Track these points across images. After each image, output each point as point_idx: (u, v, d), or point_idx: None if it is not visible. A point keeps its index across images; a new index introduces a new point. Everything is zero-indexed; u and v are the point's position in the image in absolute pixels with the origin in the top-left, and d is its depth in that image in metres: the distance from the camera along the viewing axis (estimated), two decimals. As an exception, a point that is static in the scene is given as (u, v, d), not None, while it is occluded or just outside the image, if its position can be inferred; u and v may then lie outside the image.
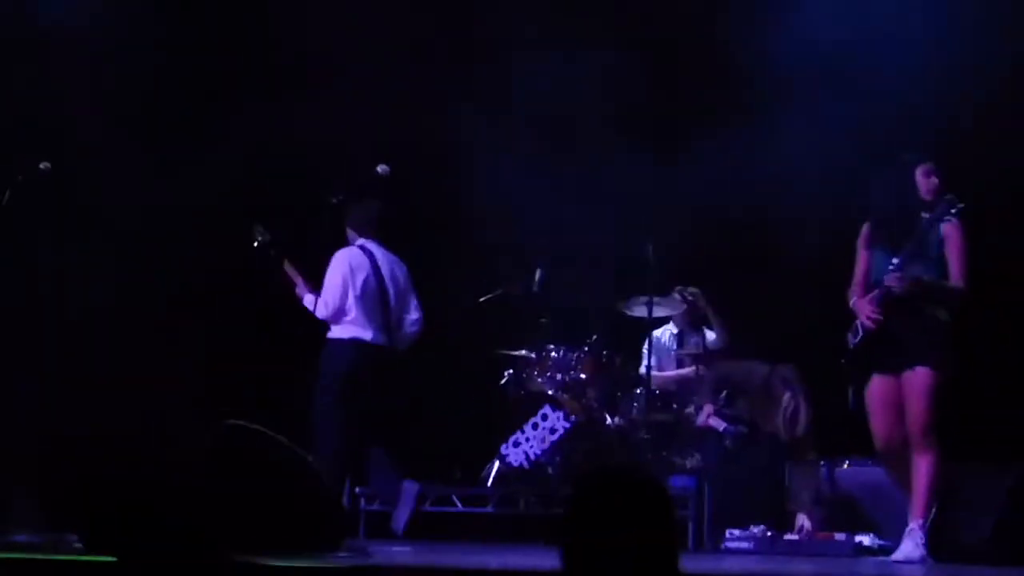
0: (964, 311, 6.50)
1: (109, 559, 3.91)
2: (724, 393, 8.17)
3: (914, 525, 6.34)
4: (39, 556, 5.36)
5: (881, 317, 6.43)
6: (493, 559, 6.22)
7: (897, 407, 6.42)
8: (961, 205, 6.39)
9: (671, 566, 3.00)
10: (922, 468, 6.36)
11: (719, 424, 8.07)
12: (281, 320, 8.58)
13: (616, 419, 8.56)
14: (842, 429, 7.17)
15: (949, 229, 6.43)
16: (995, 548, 6.50)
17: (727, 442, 7.98)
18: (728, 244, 8.77)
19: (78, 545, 5.93)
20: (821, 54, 8.14)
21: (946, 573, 6.00)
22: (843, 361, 6.60)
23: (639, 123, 8.99)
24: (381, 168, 7.57)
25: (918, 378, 6.35)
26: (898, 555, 6.35)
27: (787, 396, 7.72)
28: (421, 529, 8.11)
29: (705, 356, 8.51)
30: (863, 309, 6.49)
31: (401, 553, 6.51)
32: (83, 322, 8.77)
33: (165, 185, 8.90)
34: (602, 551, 2.94)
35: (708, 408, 8.18)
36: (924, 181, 6.55)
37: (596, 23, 9.04)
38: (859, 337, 6.51)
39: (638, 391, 8.55)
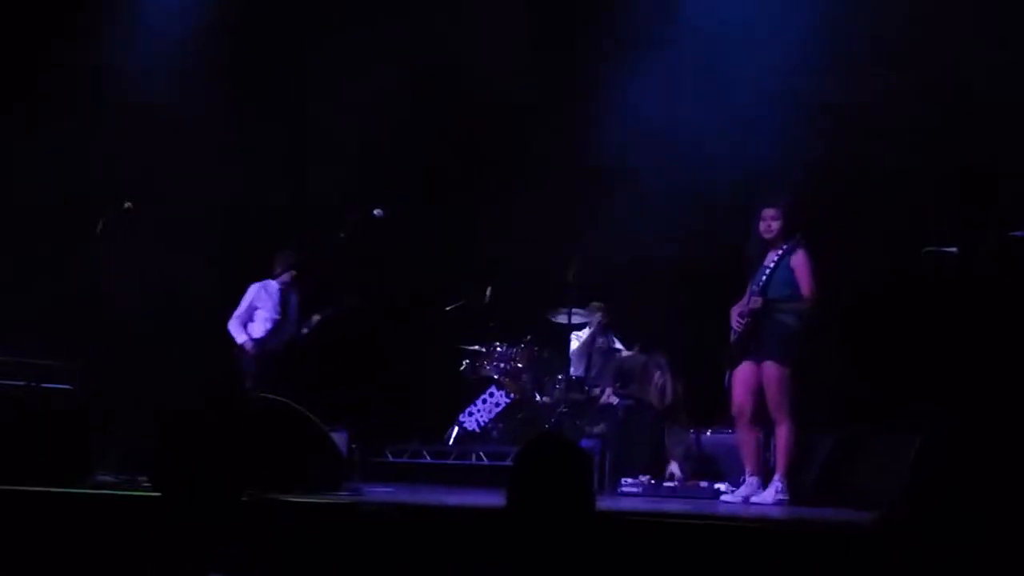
0: (816, 317, 6.39)
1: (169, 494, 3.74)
2: (618, 377, 8.04)
3: (777, 476, 6.28)
4: (117, 492, 5.18)
5: (742, 322, 6.37)
6: (452, 498, 6.09)
7: (752, 387, 6.37)
8: (801, 243, 6.35)
9: (590, 504, 2.96)
10: (780, 436, 6.32)
11: (614, 400, 7.96)
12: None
13: (543, 397, 8.48)
14: (715, 403, 6.99)
15: (795, 260, 6.38)
16: (819, 492, 6.45)
17: (620, 413, 7.86)
18: (636, 266, 8.33)
19: (147, 484, 5.75)
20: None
21: (792, 512, 5.89)
22: (725, 353, 6.51)
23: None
24: (377, 212, 7.42)
25: (769, 369, 6.31)
26: (757, 498, 6.27)
27: (657, 375, 7.60)
28: (400, 474, 7.99)
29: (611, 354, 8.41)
30: (733, 316, 6.45)
31: (385, 492, 6.37)
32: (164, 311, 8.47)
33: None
34: (541, 494, 2.87)
35: (608, 390, 8.08)
36: (761, 225, 6.48)
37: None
38: (734, 335, 6.45)
39: (560, 377, 8.45)
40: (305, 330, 8.07)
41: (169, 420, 6.08)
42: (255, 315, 8.13)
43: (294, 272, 8.13)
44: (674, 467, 7.33)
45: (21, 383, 7.83)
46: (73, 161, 8.45)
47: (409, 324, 9.12)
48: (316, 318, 8.07)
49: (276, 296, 8.15)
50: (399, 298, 9.16)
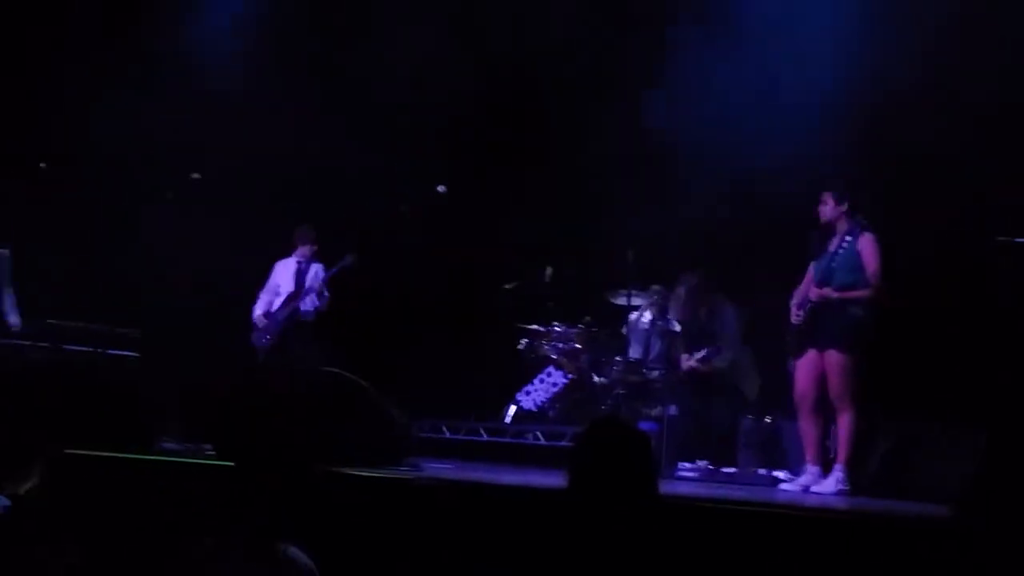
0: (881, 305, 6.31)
1: (231, 464, 3.82)
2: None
3: (838, 466, 6.24)
4: (182, 459, 5.29)
5: (800, 314, 6.32)
6: (507, 476, 6.14)
7: (815, 375, 6.32)
8: (867, 226, 6.29)
9: (653, 488, 2.96)
10: (841, 424, 6.27)
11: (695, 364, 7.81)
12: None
13: (601, 378, 8.46)
14: (778, 390, 6.93)
15: (862, 243, 6.32)
16: (880, 483, 6.39)
17: (688, 393, 7.75)
18: (703, 246, 8.22)
19: (211, 452, 5.87)
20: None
21: (853, 503, 5.86)
22: (786, 340, 6.47)
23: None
24: (440, 188, 7.46)
25: (832, 358, 6.26)
26: (817, 487, 6.24)
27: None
28: (458, 452, 8.04)
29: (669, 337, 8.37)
30: (792, 306, 6.41)
31: (444, 469, 6.43)
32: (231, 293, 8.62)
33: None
34: (603, 477, 2.88)
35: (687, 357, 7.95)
36: (821, 209, 6.44)
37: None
38: (794, 326, 6.41)
39: (618, 358, 8.43)
40: (313, 297, 8.24)
41: (235, 390, 6.20)
42: (279, 290, 8.44)
43: (312, 246, 8.38)
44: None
45: (87, 349, 8.02)
46: (140, 132, 8.59)
47: (469, 302, 9.15)
48: (322, 281, 8.27)
49: (292, 270, 8.42)
50: (461, 274, 9.21)
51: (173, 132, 8.67)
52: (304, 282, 8.43)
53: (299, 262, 8.48)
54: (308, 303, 8.36)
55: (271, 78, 8.83)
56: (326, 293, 8.28)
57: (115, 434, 5.74)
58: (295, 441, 3.37)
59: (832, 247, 6.38)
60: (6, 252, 7.56)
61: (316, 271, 8.44)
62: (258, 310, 8.48)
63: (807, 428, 6.41)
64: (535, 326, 8.78)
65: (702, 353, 7.78)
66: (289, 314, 8.36)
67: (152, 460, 5.10)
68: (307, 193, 8.93)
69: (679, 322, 8.12)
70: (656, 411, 8.04)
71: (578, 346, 8.59)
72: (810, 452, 6.39)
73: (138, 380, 7.54)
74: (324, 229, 8.53)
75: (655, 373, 8.26)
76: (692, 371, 7.87)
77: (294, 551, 2.98)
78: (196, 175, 7.67)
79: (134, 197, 8.29)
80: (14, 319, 7.63)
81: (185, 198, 7.81)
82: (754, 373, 7.73)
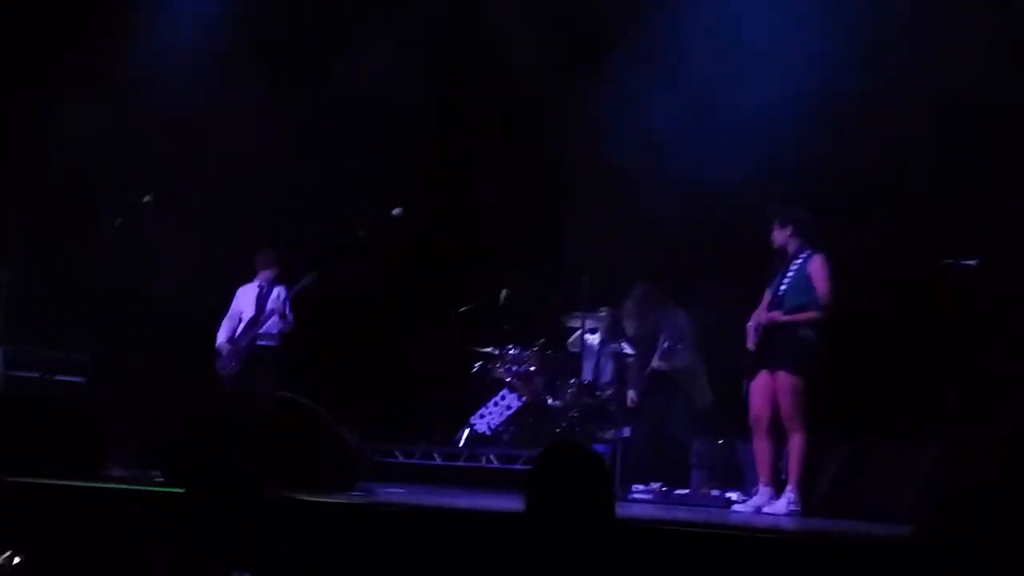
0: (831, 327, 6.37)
1: (181, 490, 3.77)
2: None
3: (789, 487, 6.27)
4: (130, 487, 5.20)
5: (754, 339, 6.39)
6: (462, 500, 6.11)
7: (768, 397, 6.36)
8: (819, 249, 6.37)
9: (609, 511, 2.96)
10: (793, 446, 6.31)
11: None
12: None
13: (555, 401, 8.47)
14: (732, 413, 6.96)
15: (812, 266, 6.40)
16: (831, 504, 6.43)
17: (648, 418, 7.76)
18: (656, 265, 8.21)
19: (160, 479, 5.77)
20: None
21: (804, 523, 5.89)
22: (743, 362, 6.52)
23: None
24: (396, 211, 7.44)
25: (782, 379, 6.30)
26: (769, 508, 6.26)
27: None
28: (410, 475, 8.00)
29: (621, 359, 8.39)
30: (749, 331, 6.48)
31: (397, 493, 6.38)
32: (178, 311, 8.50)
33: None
34: (560, 500, 2.87)
35: (631, 393, 7.99)
36: (773, 235, 6.52)
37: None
38: (750, 350, 6.48)
39: (572, 380, 8.45)
40: (275, 319, 8.15)
41: (185, 417, 6.12)
42: (242, 316, 8.32)
43: (274, 269, 8.28)
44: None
45: (35, 374, 7.89)
46: (89, 151, 8.48)
47: (422, 324, 9.14)
48: (284, 303, 8.19)
49: (254, 295, 8.30)
50: (414, 297, 9.19)
51: (127, 151, 8.59)
52: (265, 306, 8.26)
53: (260, 286, 8.34)
54: (271, 326, 8.22)
55: (229, 96, 8.75)
56: (289, 315, 8.13)
57: (62, 461, 5.65)
58: (247, 466, 3.33)
59: (786, 270, 6.46)
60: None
61: (278, 293, 8.29)
62: (221, 337, 8.32)
63: (761, 449, 6.45)
64: (489, 349, 8.77)
65: (664, 345, 7.70)
66: (252, 339, 8.22)
67: (98, 488, 5.01)
68: (264, 215, 8.87)
69: (632, 334, 8.10)
70: (610, 433, 8.05)
71: (532, 368, 8.59)
72: (763, 473, 6.43)
73: (86, 406, 7.41)
74: (281, 252, 8.45)
75: (607, 394, 8.29)
76: (654, 374, 7.81)
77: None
78: (148, 198, 7.57)
79: (87, 216, 8.17)
80: None
81: (138, 220, 7.71)
82: (706, 384, 7.73)
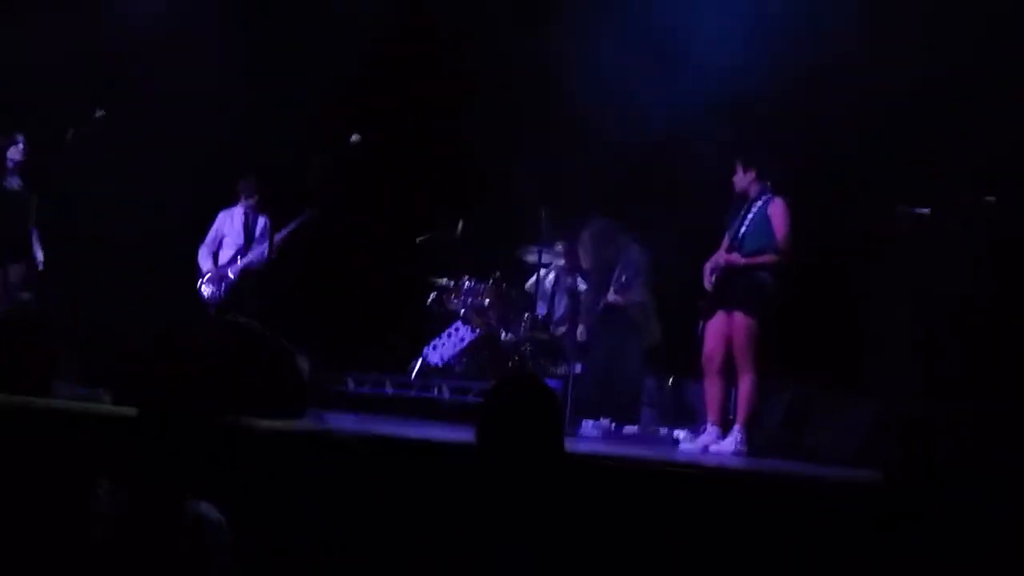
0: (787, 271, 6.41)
1: (131, 412, 3.73)
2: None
3: (737, 427, 6.36)
4: (76, 407, 5.14)
5: (712, 279, 6.40)
6: (413, 431, 6.11)
7: (722, 337, 6.43)
8: (779, 193, 6.40)
9: (559, 445, 2.98)
10: (742, 386, 6.39)
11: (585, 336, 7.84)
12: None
13: (508, 334, 8.48)
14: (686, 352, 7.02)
15: (772, 209, 6.45)
16: (774, 445, 6.55)
17: (599, 355, 7.79)
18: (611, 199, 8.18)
19: (107, 400, 5.71)
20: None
21: (750, 463, 5.99)
22: (698, 303, 6.55)
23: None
24: (354, 137, 7.34)
25: (737, 320, 6.38)
26: (716, 447, 6.35)
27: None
28: (361, 405, 8.00)
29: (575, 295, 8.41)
30: (706, 272, 6.49)
31: (347, 420, 6.38)
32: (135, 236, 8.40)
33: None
34: (512, 434, 2.89)
35: (582, 328, 8.01)
36: (735, 178, 6.55)
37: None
38: (707, 291, 6.53)
39: (525, 315, 8.46)
40: (264, 248, 8.06)
41: (138, 339, 6.04)
42: (223, 243, 8.30)
43: (256, 197, 8.28)
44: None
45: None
46: (46, 63, 8.25)
47: (378, 254, 9.09)
48: (278, 235, 8.12)
49: (240, 222, 8.29)
50: (371, 226, 9.12)
51: (87, 67, 8.36)
52: (254, 234, 8.33)
53: (246, 213, 8.36)
54: (258, 255, 8.23)
55: (185, 24, 8.54)
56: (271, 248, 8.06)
57: (9, 376, 5.57)
58: (197, 391, 3.31)
59: (745, 212, 6.49)
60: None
61: (264, 222, 8.33)
62: (207, 262, 8.29)
63: (711, 389, 6.53)
64: (444, 280, 8.75)
65: (622, 279, 7.67)
66: (242, 268, 8.20)
67: (45, 406, 4.95)
68: (219, 142, 8.71)
69: (587, 267, 8.08)
70: (562, 369, 8.10)
71: (487, 302, 8.58)
72: (712, 412, 6.52)
73: (34, 322, 7.30)
74: (236, 178, 8.35)
75: (560, 330, 8.32)
76: (609, 308, 7.79)
77: (204, 506, 2.93)
78: (101, 112, 7.43)
79: (42, 131, 8.01)
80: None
81: (90, 137, 7.58)
82: (656, 321, 7.76)
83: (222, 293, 8.23)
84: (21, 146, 7.86)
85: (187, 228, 8.52)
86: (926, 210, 6.34)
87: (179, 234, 8.50)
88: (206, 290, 8.25)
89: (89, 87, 8.23)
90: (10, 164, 7.81)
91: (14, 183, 7.84)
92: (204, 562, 2.88)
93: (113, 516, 2.89)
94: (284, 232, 8.12)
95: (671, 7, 7.75)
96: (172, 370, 3.54)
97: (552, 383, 7.64)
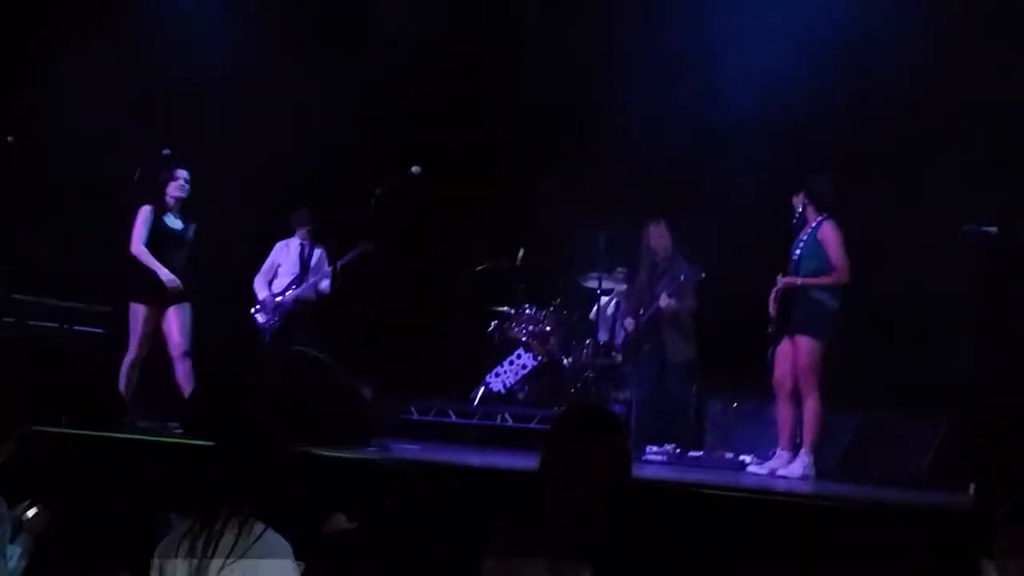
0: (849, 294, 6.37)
1: (203, 443, 3.79)
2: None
3: (804, 451, 6.30)
4: (149, 437, 5.23)
5: (775, 305, 6.42)
6: (475, 458, 6.13)
7: (790, 361, 6.39)
8: (826, 215, 6.37)
9: (626, 472, 2.96)
10: (808, 410, 6.33)
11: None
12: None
13: (570, 361, 8.46)
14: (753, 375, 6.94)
15: (822, 233, 6.42)
16: (842, 469, 6.46)
17: (651, 377, 7.71)
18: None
19: (179, 431, 5.80)
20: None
21: (819, 487, 5.91)
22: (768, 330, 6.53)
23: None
24: (414, 169, 7.39)
25: (801, 343, 6.33)
26: (784, 471, 6.28)
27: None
28: (425, 433, 8.02)
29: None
30: (771, 301, 6.50)
31: (411, 449, 6.40)
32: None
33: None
34: (578, 461, 2.87)
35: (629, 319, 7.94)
36: (795, 201, 6.53)
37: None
38: (772, 316, 6.50)
39: (587, 341, 8.44)
40: (327, 281, 8.08)
41: (205, 370, 6.12)
42: (279, 271, 8.37)
43: (309, 227, 8.32)
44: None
45: (54, 325, 7.91)
46: (106, 104, 8.44)
47: (439, 283, 9.13)
48: (336, 265, 8.07)
49: (296, 252, 8.35)
50: (432, 257, 9.17)
51: (138, 109, 8.54)
52: (310, 264, 8.36)
53: (302, 244, 8.40)
54: (313, 286, 8.29)
55: (234, 61, 8.67)
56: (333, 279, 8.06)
57: (82, 410, 5.68)
58: (264, 420, 3.33)
59: (799, 236, 6.49)
60: None
61: (320, 254, 8.38)
62: (263, 291, 8.32)
63: (783, 413, 6.47)
64: (505, 308, 8.76)
65: (681, 279, 7.53)
66: (297, 296, 8.26)
67: (120, 438, 5.04)
68: (280, 178, 8.83)
69: (641, 270, 7.94)
70: (624, 395, 8.05)
71: (548, 329, 8.58)
72: (783, 436, 6.45)
73: (105, 357, 7.43)
74: (315, 212, 8.49)
75: (623, 356, 8.28)
76: (658, 314, 7.67)
77: (270, 532, 2.95)
78: (167, 151, 7.51)
79: (109, 173, 8.15)
80: None
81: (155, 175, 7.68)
82: (693, 339, 7.68)
83: (276, 321, 8.25)
84: (183, 181, 7.26)
85: (245, 259, 8.57)
86: (994, 229, 6.23)
87: (236, 264, 8.57)
88: (260, 318, 8.29)
89: (151, 127, 8.36)
90: (170, 201, 7.24)
91: (176, 222, 7.28)
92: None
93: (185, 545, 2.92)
94: (340, 264, 7.99)
95: (716, 34, 7.75)
96: (239, 402, 3.57)
97: (616, 409, 7.62)
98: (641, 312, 7.84)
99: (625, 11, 8.48)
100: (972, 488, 4.87)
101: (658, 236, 7.75)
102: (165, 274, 7.05)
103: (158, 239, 7.16)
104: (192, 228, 7.33)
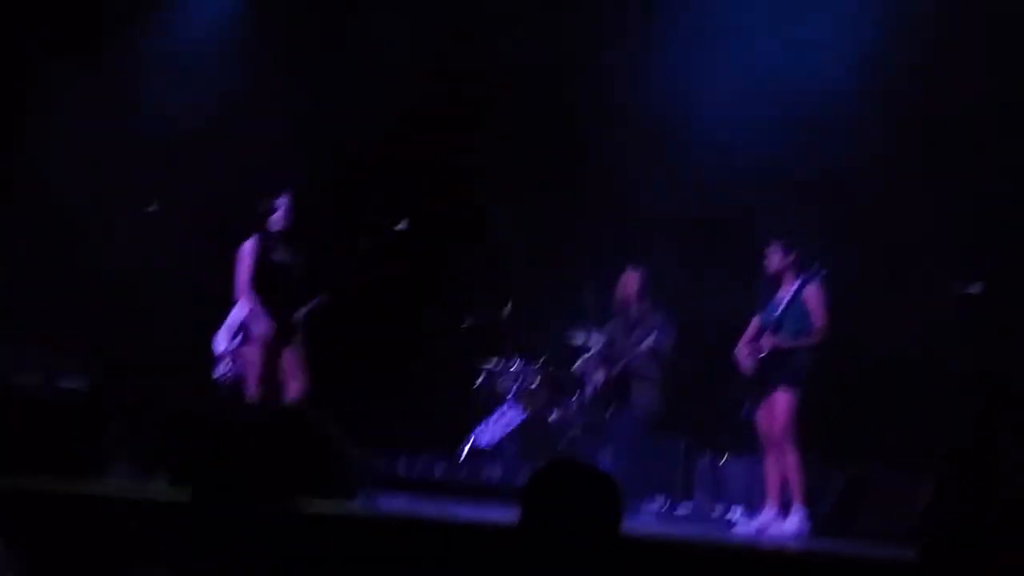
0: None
1: (183, 497, 3.71)
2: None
3: (795, 505, 6.27)
4: (133, 494, 5.14)
5: (750, 364, 6.44)
6: (463, 511, 6.07)
7: (773, 415, 6.38)
8: (815, 274, 6.39)
9: (608, 526, 2.89)
10: (790, 463, 6.37)
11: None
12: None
13: (558, 416, 8.41)
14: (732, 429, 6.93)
15: (807, 292, 6.42)
16: (831, 525, 6.40)
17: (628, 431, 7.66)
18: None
19: (165, 484, 5.69)
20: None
21: (812, 544, 5.85)
22: (740, 389, 6.55)
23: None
24: (400, 224, 7.36)
25: (780, 398, 6.36)
26: (778, 527, 6.22)
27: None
28: (411, 487, 7.93)
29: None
30: (741, 353, 6.53)
31: (398, 503, 6.33)
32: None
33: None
34: (564, 516, 2.81)
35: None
36: (769, 259, 6.51)
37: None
38: (747, 376, 6.48)
39: (574, 396, 8.39)
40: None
41: (189, 423, 6.05)
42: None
43: None
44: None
45: (36, 377, 7.81)
46: (93, 151, 8.37)
47: (428, 337, 9.08)
48: (295, 317, 7.83)
49: None
50: (420, 310, 9.13)
51: (133, 150, 8.48)
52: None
53: None
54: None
55: (221, 110, 8.61)
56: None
57: (64, 465, 5.59)
58: (247, 475, 3.27)
59: (779, 297, 6.47)
60: None
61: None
62: (222, 344, 8.09)
63: (772, 468, 6.43)
64: (492, 363, 8.73)
65: (654, 335, 7.50)
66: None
67: (102, 495, 4.96)
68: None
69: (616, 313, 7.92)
70: (610, 449, 7.99)
71: (536, 383, 8.55)
72: (772, 492, 6.40)
73: (88, 409, 7.34)
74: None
75: (611, 412, 8.22)
76: (627, 368, 7.65)
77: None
78: (155, 207, 7.44)
79: (93, 216, 8.08)
80: None
81: (141, 228, 7.64)
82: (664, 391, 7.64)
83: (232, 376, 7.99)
84: (283, 211, 6.90)
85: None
86: (979, 287, 6.25)
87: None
88: (217, 371, 7.96)
89: (139, 179, 8.27)
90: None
91: (281, 256, 6.97)
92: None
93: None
94: (297, 316, 7.67)
95: (707, 103, 7.79)
96: (225, 455, 3.51)
97: (604, 465, 7.55)
98: (611, 366, 7.79)
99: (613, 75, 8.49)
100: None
101: (631, 285, 7.69)
102: None
103: None
104: None
